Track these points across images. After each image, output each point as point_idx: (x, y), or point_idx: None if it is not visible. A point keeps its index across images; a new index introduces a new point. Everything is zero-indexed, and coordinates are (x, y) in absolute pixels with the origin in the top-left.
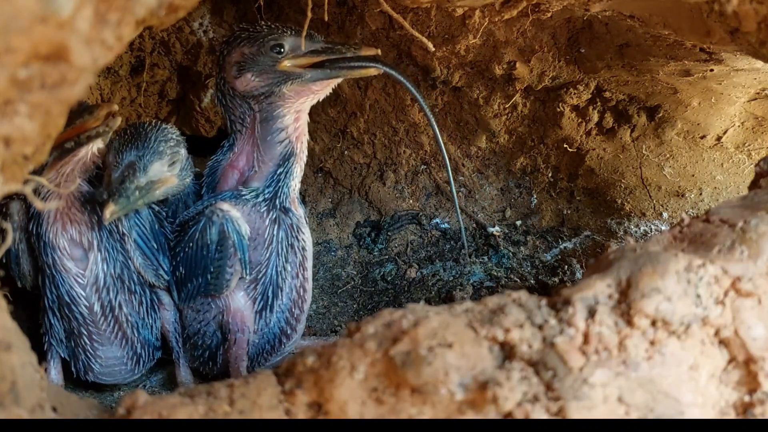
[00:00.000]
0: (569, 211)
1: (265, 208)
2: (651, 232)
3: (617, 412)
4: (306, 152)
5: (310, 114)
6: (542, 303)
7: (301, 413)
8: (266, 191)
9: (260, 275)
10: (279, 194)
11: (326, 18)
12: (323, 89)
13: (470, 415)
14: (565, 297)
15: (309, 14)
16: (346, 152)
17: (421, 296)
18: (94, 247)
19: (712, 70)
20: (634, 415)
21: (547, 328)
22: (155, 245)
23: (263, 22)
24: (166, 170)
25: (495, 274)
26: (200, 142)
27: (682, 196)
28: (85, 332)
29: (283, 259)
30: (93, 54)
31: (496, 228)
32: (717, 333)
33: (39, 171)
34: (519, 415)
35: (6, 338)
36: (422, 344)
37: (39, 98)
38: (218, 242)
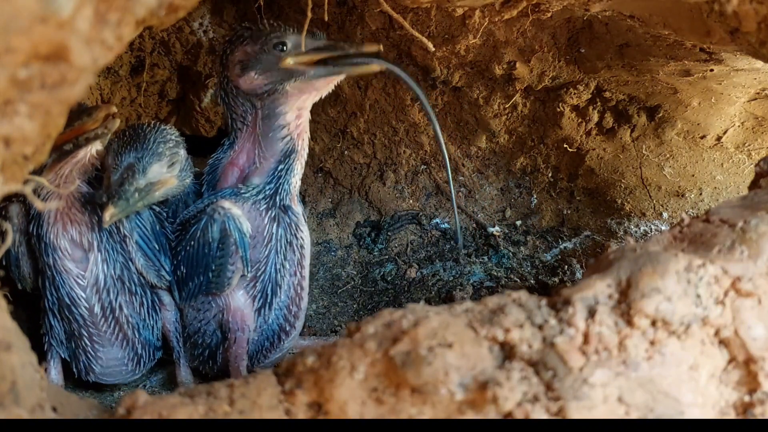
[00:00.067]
0: (569, 211)
1: (265, 206)
2: (651, 232)
3: (617, 412)
4: (307, 149)
5: (310, 114)
6: (542, 303)
7: (301, 413)
8: (267, 188)
9: (259, 273)
10: (280, 191)
11: (326, 18)
12: (326, 86)
13: (470, 415)
14: (565, 297)
15: (309, 14)
16: (346, 152)
17: (421, 296)
18: (95, 248)
19: (712, 70)
20: (634, 415)
21: (547, 328)
22: (157, 246)
23: (266, 21)
24: (166, 171)
25: (495, 274)
26: (200, 142)
27: (682, 196)
28: (86, 333)
29: (282, 257)
30: (93, 54)
31: (496, 228)
32: (717, 333)
33: (38, 173)
34: (519, 415)
35: (6, 338)
36: (422, 344)
37: (39, 98)
38: (220, 240)
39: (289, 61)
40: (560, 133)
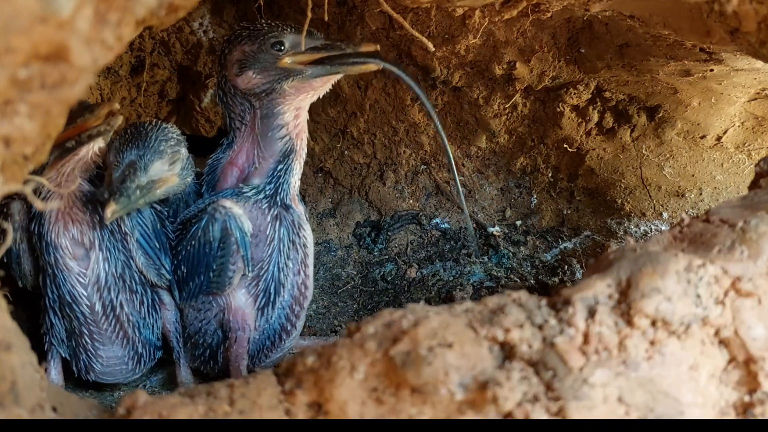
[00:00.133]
0: (569, 211)
1: (267, 204)
2: (651, 232)
3: (617, 412)
4: (305, 149)
5: (310, 114)
6: (542, 303)
7: (301, 413)
8: (267, 188)
9: (262, 272)
10: (279, 191)
11: (326, 18)
12: (323, 85)
13: (470, 415)
14: (565, 297)
15: (309, 14)
16: (346, 152)
17: (421, 296)
18: (96, 247)
19: (712, 70)
20: (634, 415)
21: (547, 328)
22: (157, 244)
23: (264, 21)
24: (167, 169)
25: (495, 274)
26: (200, 142)
27: (682, 196)
28: (87, 332)
29: (285, 256)
30: (93, 54)
31: (496, 228)
32: (717, 333)
33: (40, 170)
34: (519, 415)
35: (6, 338)
36: (422, 344)
37: (39, 98)
38: (221, 239)
39: (287, 61)
40: (560, 133)
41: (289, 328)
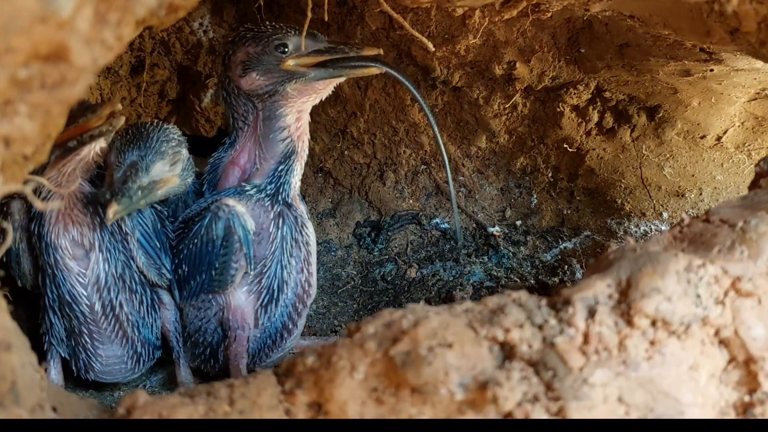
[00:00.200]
0: (569, 211)
1: (269, 202)
2: (651, 232)
3: (617, 412)
4: (307, 151)
5: (310, 114)
6: (542, 303)
7: (301, 413)
8: (268, 187)
9: (265, 269)
10: (281, 190)
11: (326, 18)
12: (326, 88)
13: (470, 415)
14: (565, 297)
15: (309, 14)
16: (346, 152)
17: (421, 296)
18: (96, 248)
19: (712, 70)
20: (634, 415)
21: (547, 328)
22: (158, 244)
23: (268, 22)
24: (168, 170)
25: (495, 274)
26: (200, 142)
27: (682, 196)
28: (86, 331)
29: (288, 254)
30: (93, 54)
31: (496, 228)
32: (717, 333)
33: (41, 170)
34: (519, 415)
35: (6, 338)
36: (422, 344)
37: (39, 98)
38: (224, 237)
39: (290, 63)
40: (560, 133)
41: (290, 326)
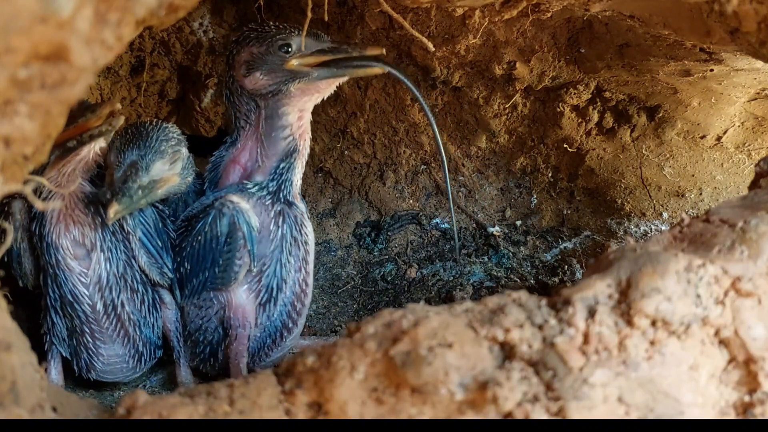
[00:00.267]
0: (569, 211)
1: (270, 201)
2: (651, 232)
3: (617, 412)
4: (308, 149)
5: (310, 114)
6: (542, 303)
7: (301, 413)
8: (270, 185)
9: (265, 267)
10: (282, 188)
11: (326, 18)
12: (328, 87)
13: (470, 415)
14: (565, 297)
15: (309, 14)
16: (346, 152)
17: (421, 296)
18: (97, 247)
19: (712, 70)
20: (634, 415)
21: (547, 328)
22: (159, 243)
23: (271, 23)
24: (168, 169)
25: (495, 274)
26: (200, 142)
27: (682, 196)
28: (88, 330)
29: (287, 253)
30: (93, 54)
31: (496, 228)
32: (717, 333)
33: (40, 170)
34: (519, 415)
35: (6, 338)
36: (422, 344)
37: (39, 98)
38: (228, 234)
39: (294, 63)
40: (560, 133)
41: (290, 325)
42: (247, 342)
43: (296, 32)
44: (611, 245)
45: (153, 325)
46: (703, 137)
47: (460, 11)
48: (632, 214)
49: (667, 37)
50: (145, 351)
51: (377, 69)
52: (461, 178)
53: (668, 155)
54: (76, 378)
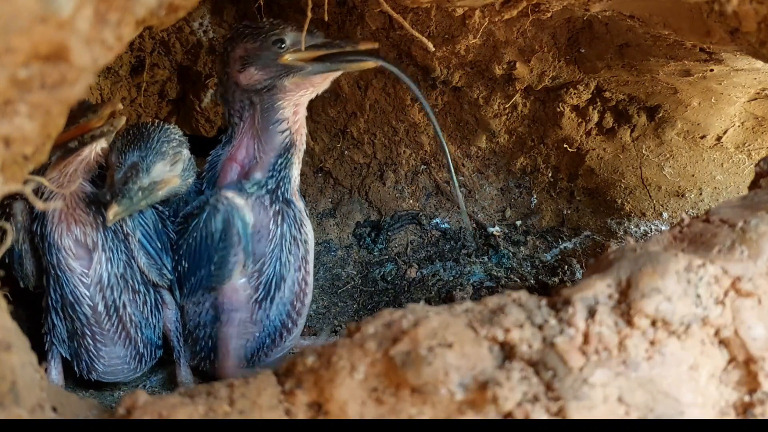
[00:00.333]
0: (569, 211)
1: (269, 200)
2: (651, 232)
3: (617, 412)
4: (304, 144)
5: (310, 114)
6: (542, 303)
7: (301, 413)
8: (269, 182)
9: (264, 267)
10: (281, 185)
11: (326, 18)
12: (323, 82)
13: (470, 415)
14: (565, 297)
15: (309, 14)
16: (346, 152)
17: (421, 296)
18: (99, 248)
19: (712, 70)
20: (634, 415)
21: (547, 328)
22: (159, 245)
23: (265, 19)
24: (169, 171)
25: (495, 274)
26: (200, 142)
27: (682, 196)
28: (89, 332)
29: (287, 252)
30: (93, 54)
31: (496, 228)
32: (717, 333)
33: (42, 170)
34: (519, 415)
35: (6, 338)
36: (422, 344)
37: (39, 98)
38: (222, 230)
39: (288, 58)
40: (560, 133)
41: (290, 325)
42: (238, 325)
43: (290, 28)
44: (611, 245)
45: (154, 326)
46: (703, 137)
47: (460, 11)
48: (632, 214)
49: (667, 37)
50: (146, 352)
51: (371, 63)
52: (461, 178)
53: (668, 155)
54: (77, 378)
